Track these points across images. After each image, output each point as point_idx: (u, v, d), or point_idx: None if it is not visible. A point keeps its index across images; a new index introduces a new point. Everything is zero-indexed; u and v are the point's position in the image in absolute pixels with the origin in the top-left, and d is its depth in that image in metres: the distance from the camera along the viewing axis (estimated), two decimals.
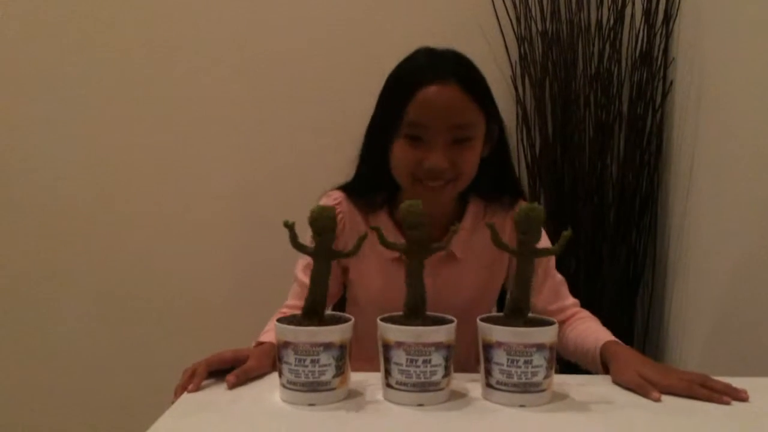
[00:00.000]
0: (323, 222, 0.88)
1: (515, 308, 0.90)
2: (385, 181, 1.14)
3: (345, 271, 1.22)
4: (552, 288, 1.19)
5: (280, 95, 1.99)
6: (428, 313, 0.91)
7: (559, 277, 1.21)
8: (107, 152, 2.01)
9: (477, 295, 1.19)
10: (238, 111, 2.00)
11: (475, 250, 1.17)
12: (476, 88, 1.08)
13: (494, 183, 1.18)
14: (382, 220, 1.17)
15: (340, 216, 1.17)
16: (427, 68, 1.07)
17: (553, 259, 1.20)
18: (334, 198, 1.20)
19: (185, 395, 0.92)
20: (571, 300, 1.21)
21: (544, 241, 1.13)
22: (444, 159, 1.05)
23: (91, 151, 2.01)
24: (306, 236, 0.92)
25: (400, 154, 1.08)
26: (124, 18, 1.98)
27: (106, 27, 1.98)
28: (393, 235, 1.13)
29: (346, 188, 1.21)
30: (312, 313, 0.90)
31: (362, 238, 0.91)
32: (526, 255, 0.89)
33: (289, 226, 0.88)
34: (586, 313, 1.19)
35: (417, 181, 1.08)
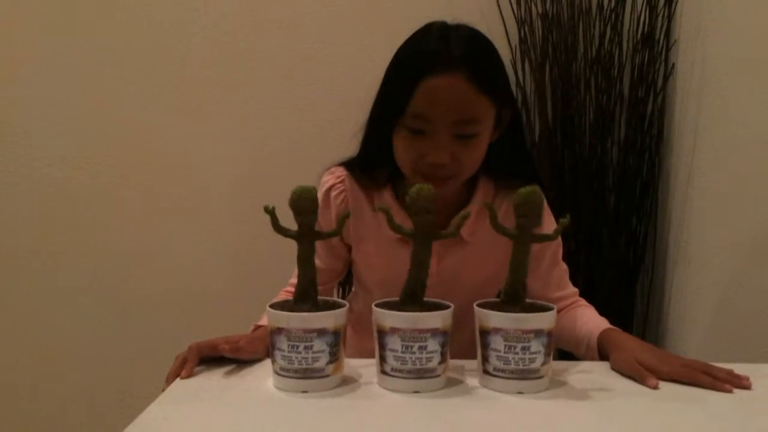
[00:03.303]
0: (304, 203, 0.86)
1: (512, 293, 0.88)
2: (389, 158, 1.08)
3: (350, 249, 1.19)
4: (557, 276, 1.17)
5: (278, 84, 1.96)
6: (426, 299, 0.89)
7: (564, 265, 1.19)
8: (105, 143, 1.99)
9: (486, 279, 1.13)
10: (236, 100, 1.97)
11: (483, 232, 1.11)
12: (487, 77, 0.99)
13: (506, 166, 1.12)
14: (386, 200, 1.12)
15: (342, 195, 1.14)
16: (434, 55, 0.98)
17: (561, 247, 1.17)
18: (338, 175, 1.15)
19: (177, 382, 0.90)
20: (572, 289, 1.19)
21: (551, 224, 1.11)
22: (446, 155, 1.00)
23: (88, 142, 1.99)
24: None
25: (402, 146, 1.03)
26: (125, 6, 1.95)
27: (107, 14, 1.95)
28: (398, 217, 1.04)
29: (349, 165, 1.16)
30: (305, 298, 0.88)
31: (344, 217, 0.90)
32: (523, 239, 0.87)
33: (270, 211, 0.85)
34: (584, 302, 1.18)
35: (418, 173, 1.04)
